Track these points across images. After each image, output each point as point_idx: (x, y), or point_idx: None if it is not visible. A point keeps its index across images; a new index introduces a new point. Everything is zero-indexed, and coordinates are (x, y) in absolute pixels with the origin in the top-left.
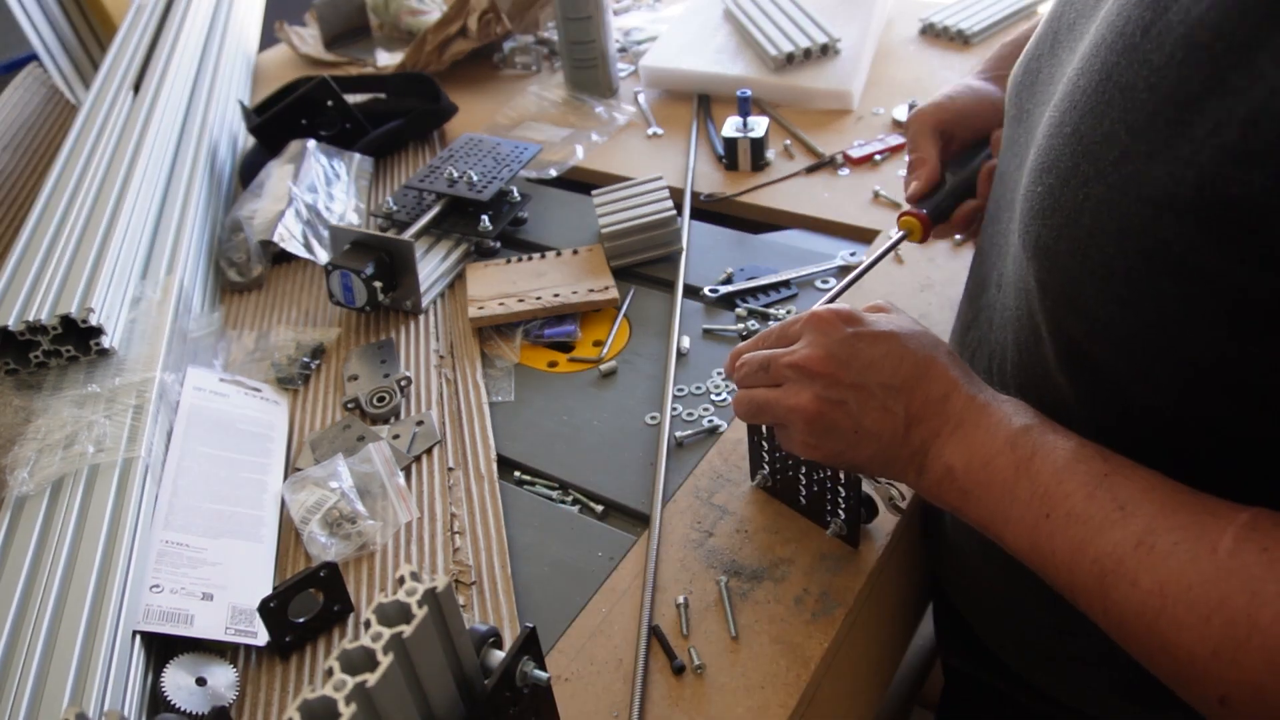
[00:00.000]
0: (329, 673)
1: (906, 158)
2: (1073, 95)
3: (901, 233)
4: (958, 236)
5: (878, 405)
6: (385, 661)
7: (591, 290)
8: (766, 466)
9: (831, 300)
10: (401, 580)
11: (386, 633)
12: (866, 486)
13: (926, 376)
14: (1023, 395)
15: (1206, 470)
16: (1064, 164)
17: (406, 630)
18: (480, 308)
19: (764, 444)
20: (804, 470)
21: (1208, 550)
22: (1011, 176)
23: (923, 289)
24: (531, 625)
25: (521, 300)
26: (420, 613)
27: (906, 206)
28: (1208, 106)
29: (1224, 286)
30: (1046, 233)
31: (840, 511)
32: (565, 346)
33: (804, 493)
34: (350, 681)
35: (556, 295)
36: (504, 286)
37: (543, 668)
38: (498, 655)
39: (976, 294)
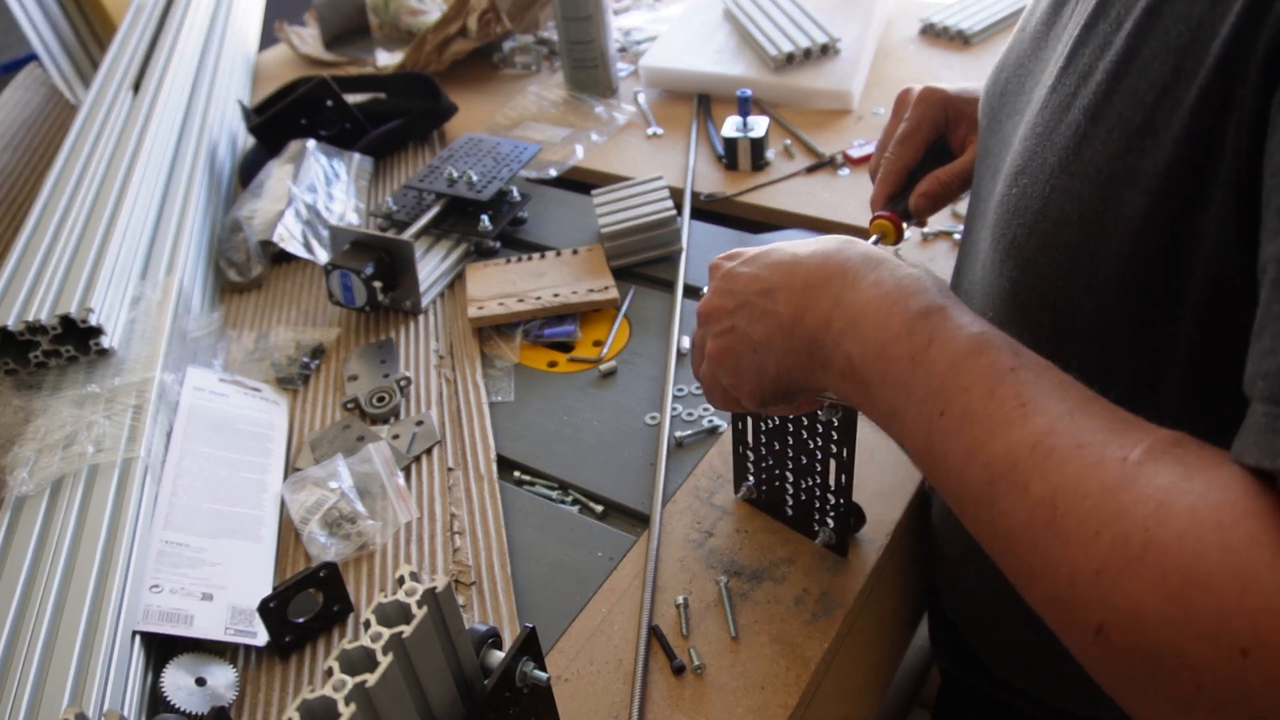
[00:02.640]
0: (329, 673)
1: (888, 126)
2: (1045, 100)
3: (875, 236)
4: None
5: (759, 312)
6: (385, 662)
7: (591, 290)
8: (751, 478)
9: None
10: (401, 580)
11: (386, 633)
12: (856, 496)
13: (804, 266)
14: None
15: None
16: (1034, 164)
17: (406, 630)
18: (480, 308)
19: (748, 454)
20: (790, 480)
21: (1115, 458)
22: (985, 186)
23: None
24: (531, 625)
25: (521, 300)
26: (420, 613)
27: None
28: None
29: (1189, 267)
30: (1021, 231)
31: (829, 520)
32: (565, 346)
33: (790, 503)
34: (350, 681)
35: (556, 295)
36: (503, 286)
37: (542, 668)
38: (497, 655)
39: None
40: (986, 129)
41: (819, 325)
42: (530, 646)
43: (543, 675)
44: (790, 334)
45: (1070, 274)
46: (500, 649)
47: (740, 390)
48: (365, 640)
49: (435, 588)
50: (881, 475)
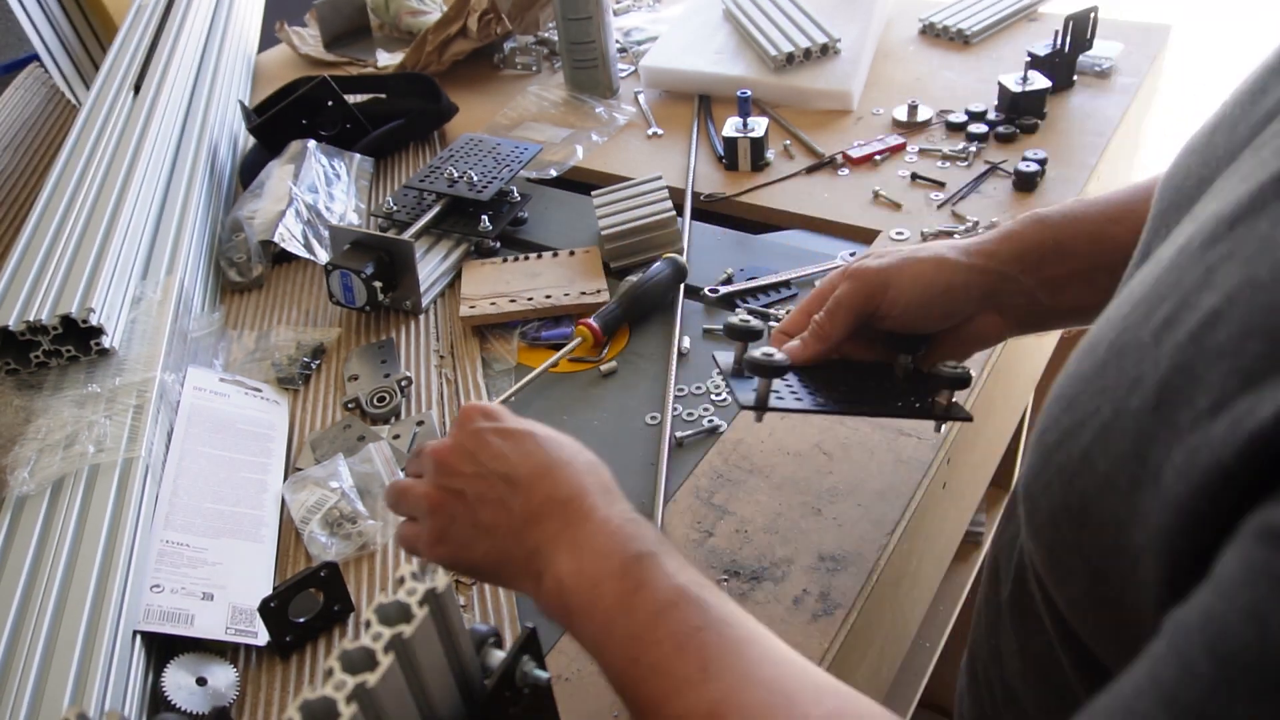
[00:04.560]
0: (329, 673)
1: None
2: (1158, 265)
3: (577, 340)
4: None
5: (495, 498)
6: (385, 661)
7: (583, 293)
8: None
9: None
10: (401, 580)
11: (387, 633)
12: (857, 495)
13: (552, 476)
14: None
15: None
16: (1099, 352)
17: (407, 630)
18: (472, 306)
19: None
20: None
21: None
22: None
23: None
24: (532, 625)
25: (513, 300)
26: (420, 613)
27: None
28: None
29: None
30: (1053, 427)
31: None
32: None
33: (846, 384)
34: (350, 681)
35: (548, 297)
36: (498, 286)
37: (543, 667)
38: (498, 655)
39: None
40: (1151, 230)
41: (545, 540)
42: (531, 646)
43: (543, 675)
44: (516, 536)
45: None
46: (501, 649)
47: (429, 546)
48: (366, 640)
49: (436, 588)
50: (882, 475)
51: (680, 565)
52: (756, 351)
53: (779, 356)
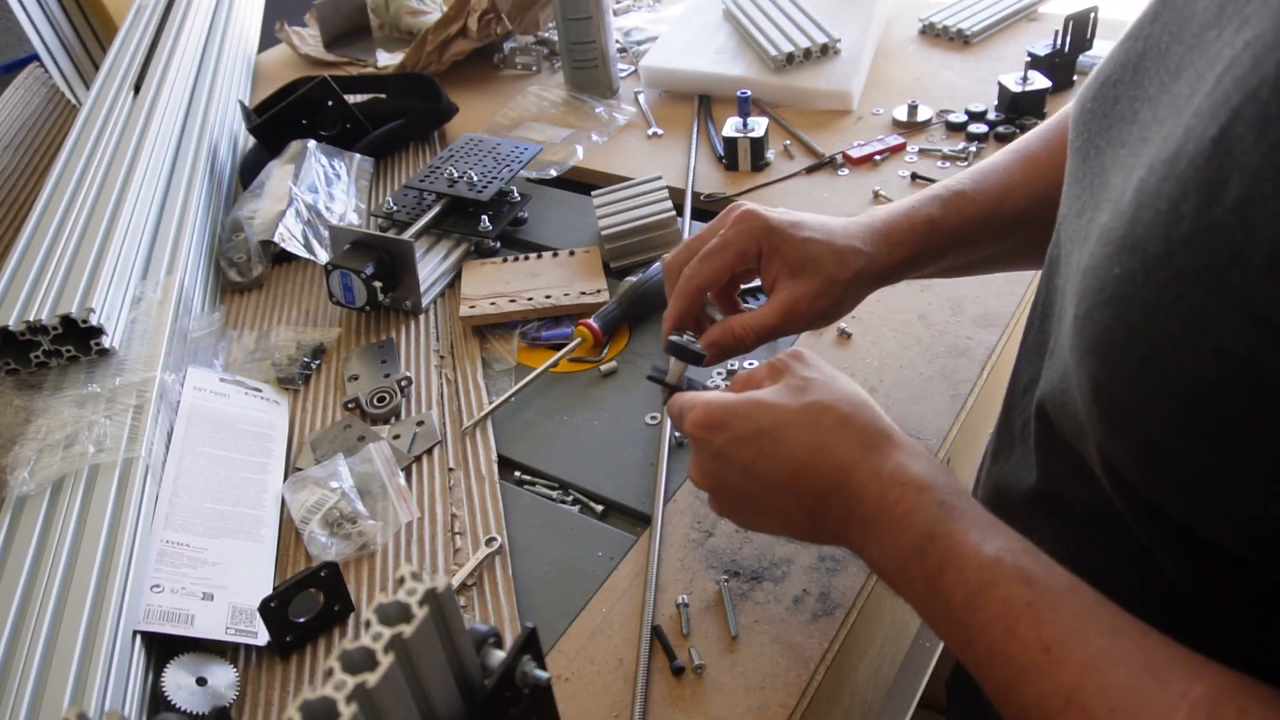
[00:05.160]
0: (329, 673)
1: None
2: (1174, 162)
3: (577, 340)
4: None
5: (768, 507)
6: (385, 661)
7: (583, 293)
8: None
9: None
10: (402, 580)
11: (387, 633)
12: None
13: (809, 470)
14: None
15: None
16: (1153, 248)
17: (407, 630)
18: (472, 306)
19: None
20: None
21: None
22: (1072, 224)
23: (923, 289)
24: (532, 625)
25: (513, 300)
26: (420, 613)
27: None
28: None
29: None
30: (1117, 328)
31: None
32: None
33: None
34: (350, 681)
35: (548, 297)
36: (497, 286)
37: (543, 668)
38: (498, 655)
39: (1036, 353)
40: (1078, 151)
41: (838, 528)
42: (531, 646)
43: (543, 675)
44: (810, 528)
45: (1184, 412)
46: (501, 649)
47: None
48: (366, 640)
49: (435, 588)
50: None
51: (984, 527)
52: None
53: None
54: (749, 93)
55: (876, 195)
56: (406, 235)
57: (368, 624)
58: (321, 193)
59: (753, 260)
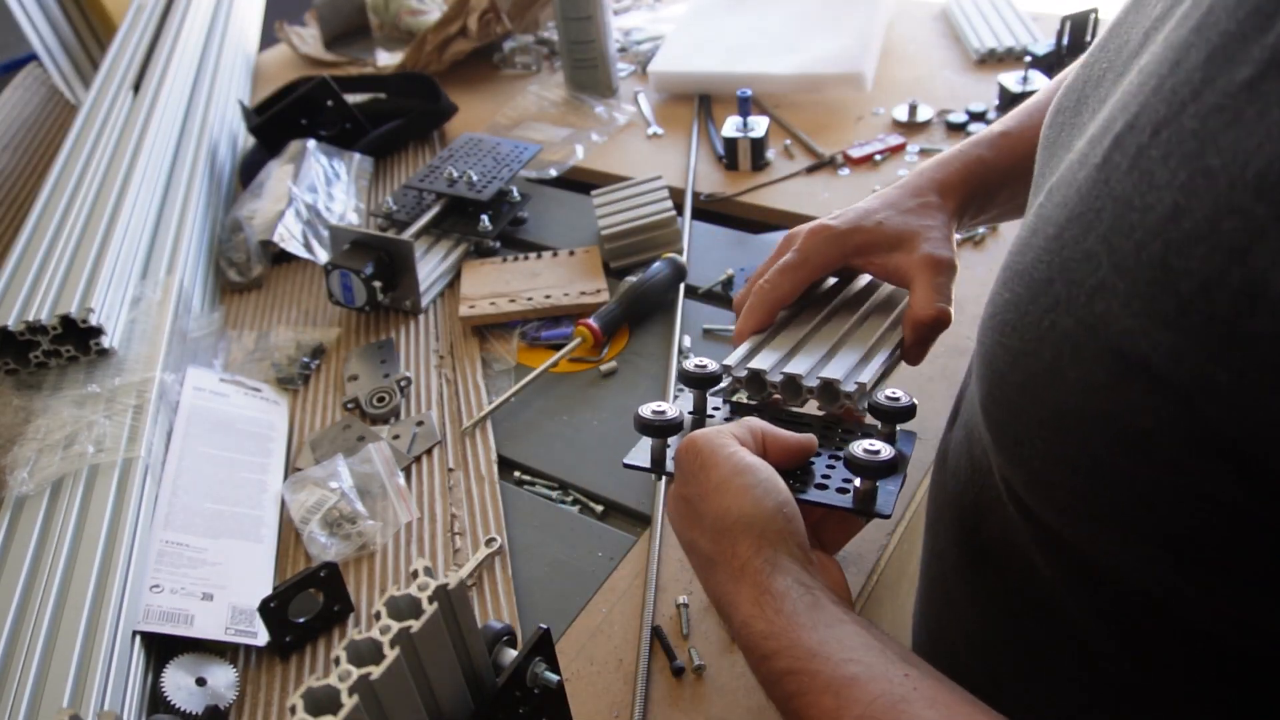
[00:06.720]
0: (336, 662)
1: (779, 255)
2: (1066, 189)
3: (577, 340)
4: None
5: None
6: (390, 655)
7: (583, 293)
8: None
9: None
10: (415, 574)
11: (394, 626)
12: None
13: (720, 561)
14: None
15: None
16: (1037, 274)
17: (415, 625)
18: (471, 306)
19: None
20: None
21: None
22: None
23: None
24: (546, 627)
25: (513, 300)
26: (430, 609)
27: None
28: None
29: (1198, 483)
30: (1001, 353)
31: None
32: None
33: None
34: (355, 673)
35: (548, 297)
36: (497, 286)
37: (555, 670)
38: (511, 654)
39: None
40: (1035, 184)
41: (722, 585)
42: (543, 648)
43: (553, 677)
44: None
45: (1052, 437)
46: (515, 648)
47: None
48: (374, 632)
49: (447, 584)
50: None
51: (835, 665)
52: (646, 410)
53: (670, 413)
54: (749, 92)
55: None
56: (406, 235)
57: (377, 615)
58: (321, 192)
59: (831, 270)
